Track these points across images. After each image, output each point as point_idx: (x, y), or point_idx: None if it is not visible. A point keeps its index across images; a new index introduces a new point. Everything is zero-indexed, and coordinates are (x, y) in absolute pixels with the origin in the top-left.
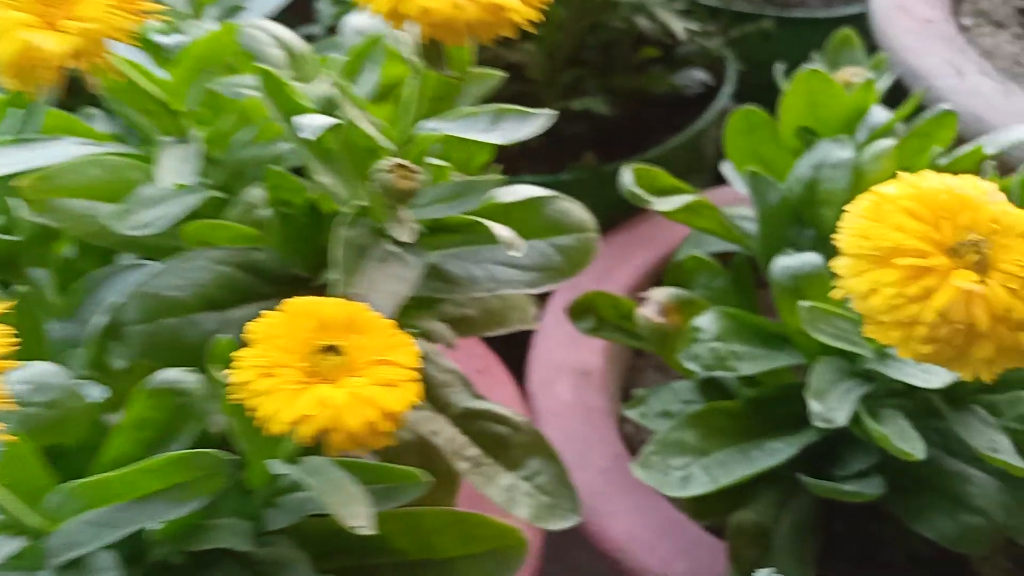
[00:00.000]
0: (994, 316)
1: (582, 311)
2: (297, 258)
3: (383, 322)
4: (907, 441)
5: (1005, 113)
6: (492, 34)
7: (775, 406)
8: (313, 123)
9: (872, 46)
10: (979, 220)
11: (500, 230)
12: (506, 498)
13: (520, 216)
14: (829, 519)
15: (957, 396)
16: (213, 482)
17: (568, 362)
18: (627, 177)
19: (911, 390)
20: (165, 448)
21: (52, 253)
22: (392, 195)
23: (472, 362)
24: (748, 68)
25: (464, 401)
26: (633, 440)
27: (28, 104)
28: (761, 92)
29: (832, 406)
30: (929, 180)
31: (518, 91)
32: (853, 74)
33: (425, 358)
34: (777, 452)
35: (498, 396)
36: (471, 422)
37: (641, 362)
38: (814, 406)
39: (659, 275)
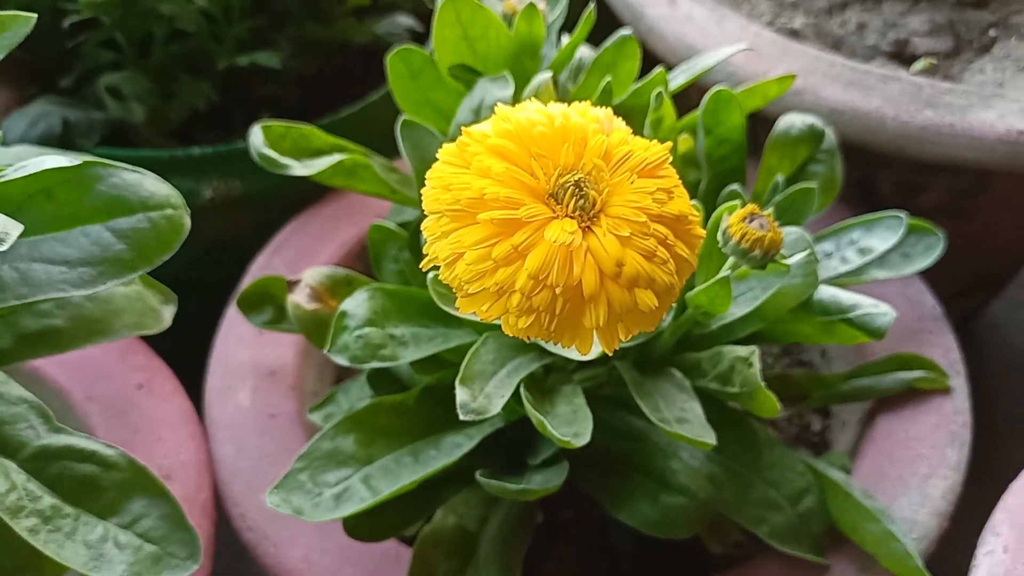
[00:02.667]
0: (603, 273)
1: (256, 301)
2: None
3: None
4: (573, 425)
5: (717, 40)
6: None
7: (453, 394)
8: None
9: None
10: (585, 156)
11: None
12: (91, 557)
13: (66, 196)
14: (554, 508)
15: (653, 358)
16: None
17: (252, 362)
18: (256, 138)
19: (604, 359)
20: None
21: None
22: None
23: (131, 376)
24: None
25: (40, 438)
26: None
27: None
28: None
29: (490, 392)
30: (526, 111)
31: (186, 49)
32: (520, 2)
33: None
34: (456, 448)
35: (160, 413)
36: (49, 464)
37: None
38: (461, 395)
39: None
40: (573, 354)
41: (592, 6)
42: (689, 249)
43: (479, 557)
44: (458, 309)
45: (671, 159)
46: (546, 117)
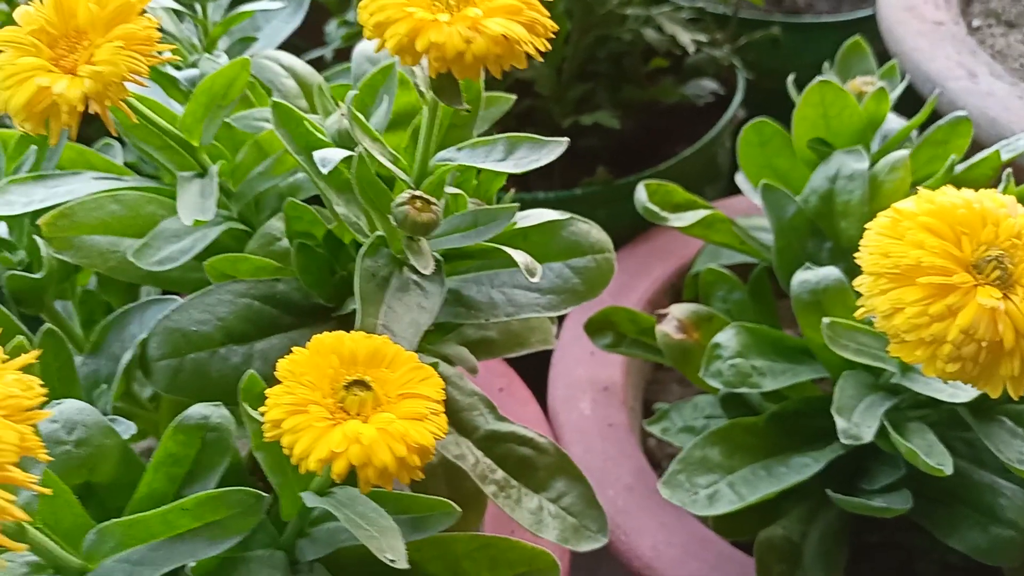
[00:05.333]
0: (1019, 332)
1: (600, 327)
2: (319, 288)
3: (407, 355)
4: (935, 456)
5: (1018, 115)
6: (503, 66)
7: (799, 420)
8: (330, 156)
9: (881, 50)
10: (1000, 235)
11: (519, 256)
12: (534, 520)
13: (538, 240)
14: (861, 531)
15: (983, 407)
16: (247, 519)
17: (588, 378)
18: (641, 194)
19: (936, 401)
20: (197, 482)
21: (74, 286)
22: (411, 228)
23: (494, 381)
24: (759, 75)
25: (488, 424)
26: (656, 455)
27: (45, 140)
28: (772, 99)
29: (857, 422)
30: (947, 195)
31: (528, 107)
32: (865, 83)
33: (448, 382)
34: (804, 468)
35: (520, 414)
36: (496, 445)
37: (662, 375)
38: (840, 423)
39: (677, 287)
40: (940, 395)
41: (936, 94)
42: None
43: (804, 564)
44: (889, 353)
45: None
46: (964, 201)
